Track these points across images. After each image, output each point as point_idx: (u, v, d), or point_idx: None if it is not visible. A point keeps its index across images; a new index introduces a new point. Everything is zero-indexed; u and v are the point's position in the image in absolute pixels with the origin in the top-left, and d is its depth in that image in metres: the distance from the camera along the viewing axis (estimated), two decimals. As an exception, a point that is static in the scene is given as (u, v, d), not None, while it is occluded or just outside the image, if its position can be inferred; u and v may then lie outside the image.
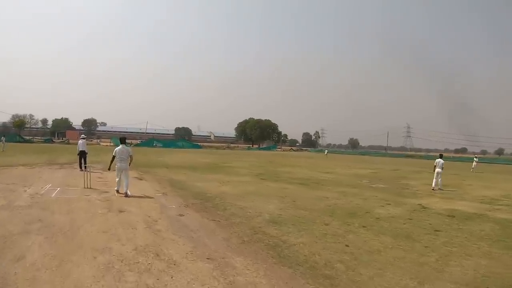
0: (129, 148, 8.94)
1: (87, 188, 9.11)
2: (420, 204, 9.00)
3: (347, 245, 4.98)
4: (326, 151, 68.58)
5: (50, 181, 10.01)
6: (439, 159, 13.11)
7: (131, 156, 8.62)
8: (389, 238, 5.51)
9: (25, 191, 8.26)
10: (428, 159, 50.53)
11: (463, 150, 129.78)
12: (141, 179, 11.86)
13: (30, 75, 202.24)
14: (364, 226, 6.24)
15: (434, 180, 12.59)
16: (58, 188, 8.85)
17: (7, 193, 7.91)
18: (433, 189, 12.30)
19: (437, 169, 12.64)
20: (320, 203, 8.68)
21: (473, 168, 26.01)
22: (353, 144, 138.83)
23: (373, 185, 13.25)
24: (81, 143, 13.71)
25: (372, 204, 8.85)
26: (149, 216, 6.41)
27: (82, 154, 13.46)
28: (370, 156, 61.11)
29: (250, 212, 7.24)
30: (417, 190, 12.21)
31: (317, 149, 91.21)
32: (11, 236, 4.68)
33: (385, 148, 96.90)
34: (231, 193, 9.68)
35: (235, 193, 9.71)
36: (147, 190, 9.55)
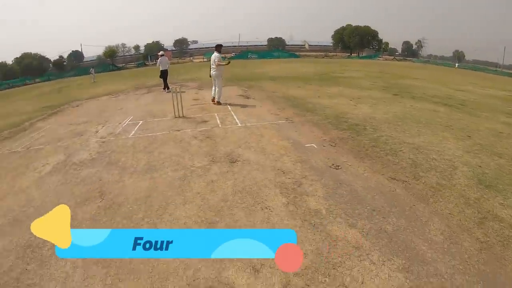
0: (217, 54, 7.87)
1: (179, 117, 6.55)
2: None
3: None
4: (457, 64, 57.42)
5: (132, 112, 8.07)
6: None
7: (215, 62, 7.82)
8: None
9: (97, 132, 6.37)
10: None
11: None
12: (247, 98, 9.32)
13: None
14: None
15: None
16: (141, 122, 6.81)
17: (73, 139, 6.06)
18: None
19: None
20: (501, 142, 5.49)
21: None
22: (459, 58, 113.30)
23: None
24: (162, 61, 11.41)
25: None
26: (283, 172, 3.84)
27: (164, 74, 11.57)
28: (484, 72, 45.75)
29: (435, 159, 4.44)
30: None
31: (421, 59, 75.45)
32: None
33: (497, 65, 73.42)
34: (378, 117, 6.96)
35: (384, 117, 6.97)
36: (262, 114, 7.03)
